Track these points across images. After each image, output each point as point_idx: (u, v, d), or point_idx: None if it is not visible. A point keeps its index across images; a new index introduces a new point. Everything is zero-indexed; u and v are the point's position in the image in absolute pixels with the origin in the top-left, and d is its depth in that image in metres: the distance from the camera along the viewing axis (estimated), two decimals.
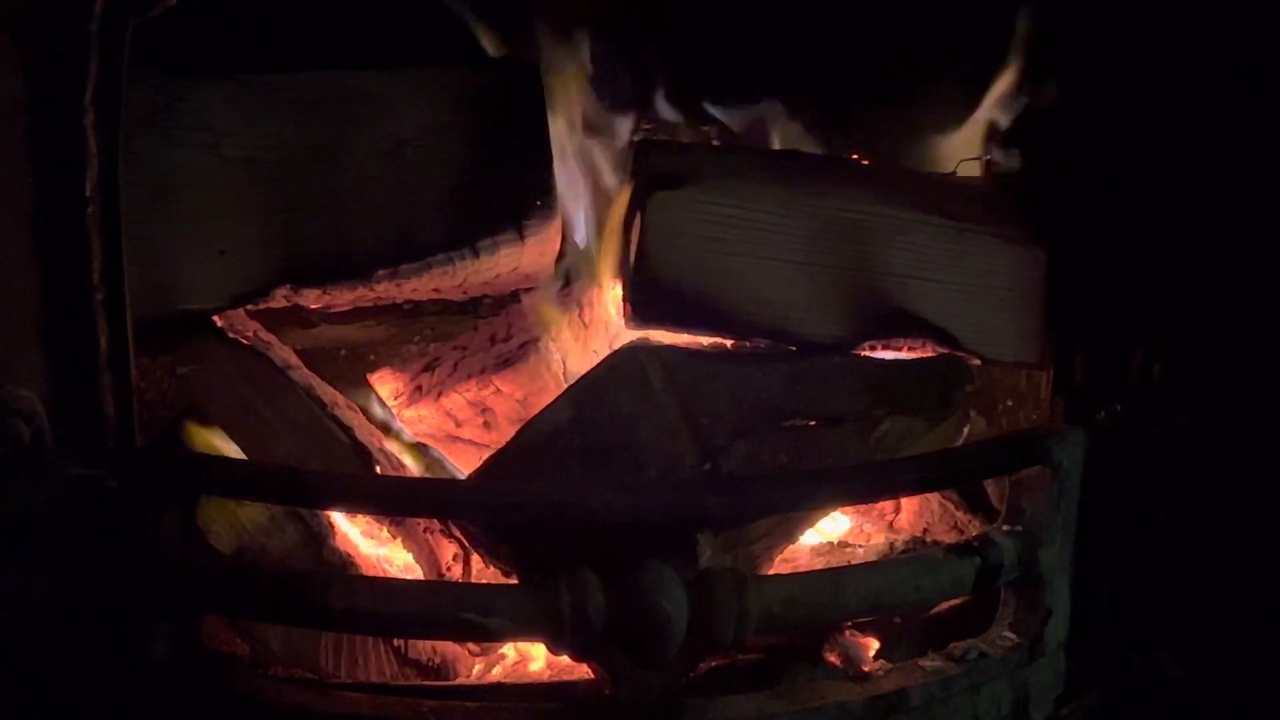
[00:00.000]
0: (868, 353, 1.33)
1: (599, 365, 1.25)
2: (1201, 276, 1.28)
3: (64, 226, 1.06)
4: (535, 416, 1.22)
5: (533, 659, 1.34)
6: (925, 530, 1.49)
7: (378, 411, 1.46)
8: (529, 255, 1.45)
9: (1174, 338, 1.28)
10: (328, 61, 1.40)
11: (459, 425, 1.48)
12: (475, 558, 1.33)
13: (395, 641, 1.29)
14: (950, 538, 1.44)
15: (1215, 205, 1.27)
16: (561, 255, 1.48)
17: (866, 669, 1.19)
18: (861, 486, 1.19)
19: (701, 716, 1.12)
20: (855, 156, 1.52)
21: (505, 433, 1.31)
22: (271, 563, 1.27)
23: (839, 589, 1.12)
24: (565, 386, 1.29)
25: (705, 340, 1.32)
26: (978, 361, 1.36)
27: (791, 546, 1.39)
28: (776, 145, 1.52)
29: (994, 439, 1.47)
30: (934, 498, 1.49)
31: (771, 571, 1.31)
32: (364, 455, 1.33)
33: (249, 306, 1.37)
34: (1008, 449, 1.27)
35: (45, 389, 1.07)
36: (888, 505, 1.53)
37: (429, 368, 1.50)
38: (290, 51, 1.39)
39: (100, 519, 1.07)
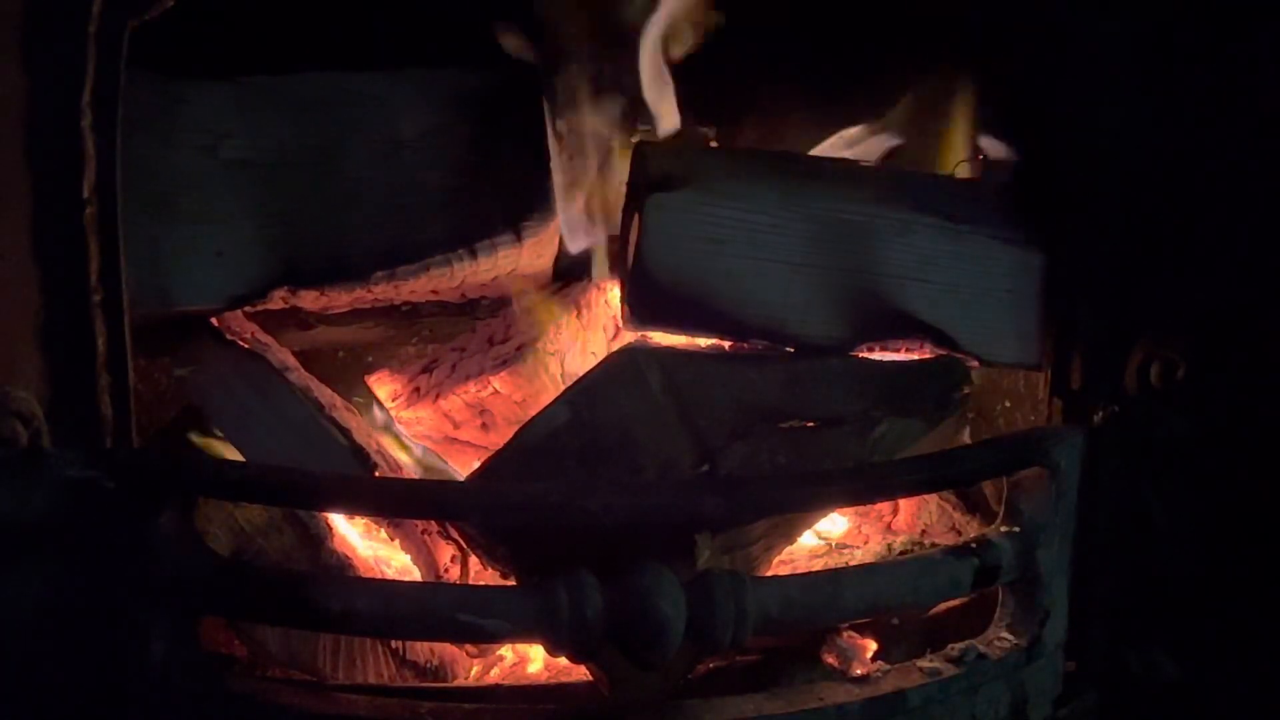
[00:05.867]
0: (866, 354, 1.33)
1: (597, 367, 1.25)
2: (1199, 278, 1.29)
3: (62, 228, 1.06)
4: (533, 418, 1.22)
5: (531, 661, 1.34)
6: (923, 531, 1.49)
7: (375, 413, 1.46)
8: (527, 257, 1.45)
9: (1172, 339, 1.28)
10: (327, 62, 1.40)
11: (457, 427, 1.48)
12: (473, 559, 1.34)
13: (393, 643, 1.29)
14: (948, 539, 1.45)
15: (1213, 206, 1.27)
16: (559, 257, 1.48)
17: (864, 670, 1.19)
18: (860, 488, 1.19)
19: (699, 718, 1.11)
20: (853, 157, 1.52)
21: (503, 434, 1.31)
22: (269, 564, 1.27)
23: (837, 590, 1.12)
24: (563, 388, 1.29)
25: (703, 342, 1.32)
26: (976, 363, 1.36)
27: (790, 548, 1.39)
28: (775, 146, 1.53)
29: (992, 440, 1.47)
30: (932, 499, 1.49)
31: (770, 573, 1.31)
32: (362, 457, 1.33)
33: (247, 308, 1.37)
34: (1006, 450, 1.27)
35: (43, 390, 1.07)
36: (886, 506, 1.53)
37: (427, 369, 1.50)
38: (289, 52, 1.39)
39: (98, 520, 1.07)
